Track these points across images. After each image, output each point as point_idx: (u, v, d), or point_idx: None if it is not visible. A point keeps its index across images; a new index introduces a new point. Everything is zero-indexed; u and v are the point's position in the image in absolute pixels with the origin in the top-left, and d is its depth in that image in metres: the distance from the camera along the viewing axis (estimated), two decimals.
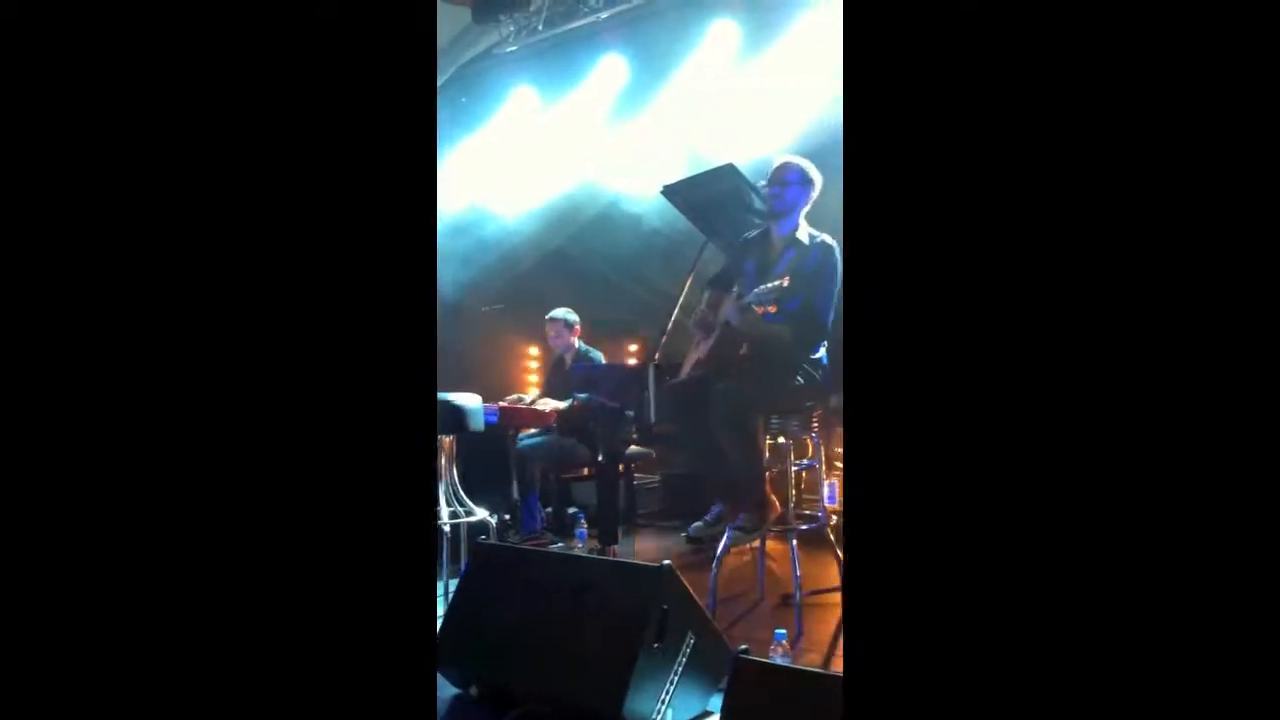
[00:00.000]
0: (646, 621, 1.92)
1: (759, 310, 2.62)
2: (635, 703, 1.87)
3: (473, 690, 2.23)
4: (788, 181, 2.80)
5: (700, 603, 2.11)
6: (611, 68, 5.31)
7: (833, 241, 2.79)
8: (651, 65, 5.13)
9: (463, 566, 2.81)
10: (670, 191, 3.60)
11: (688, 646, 2.00)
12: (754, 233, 3.02)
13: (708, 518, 2.84)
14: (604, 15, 5.01)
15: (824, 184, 2.87)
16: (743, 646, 1.76)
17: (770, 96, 4.70)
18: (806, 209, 2.86)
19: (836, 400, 2.89)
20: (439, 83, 5.27)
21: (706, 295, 3.06)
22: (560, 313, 4.41)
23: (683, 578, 2.05)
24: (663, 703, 1.94)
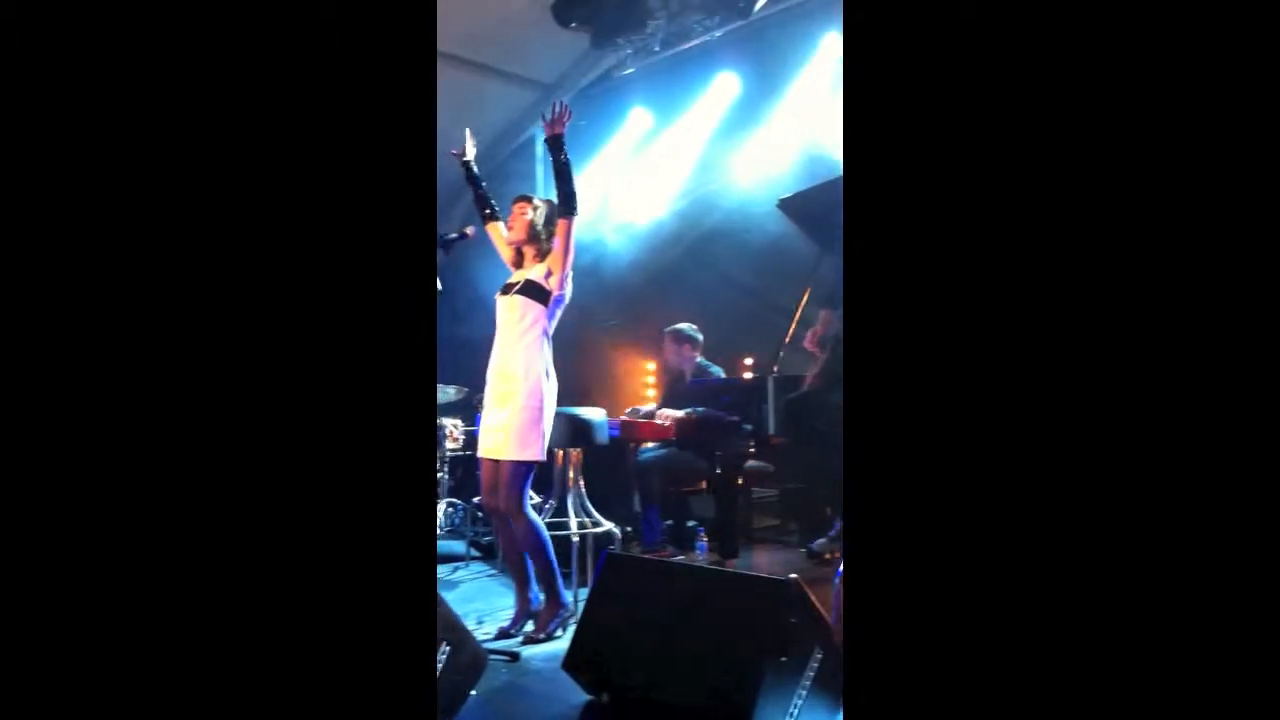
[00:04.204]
0: (773, 634, 1.95)
1: None
2: (764, 716, 1.90)
3: (604, 697, 2.31)
4: None
5: (827, 618, 2.12)
6: (725, 84, 5.37)
7: None
8: (764, 80, 5.15)
9: (590, 577, 2.93)
10: (785, 205, 3.63)
11: (815, 662, 2.02)
12: None
13: (831, 533, 2.84)
14: (718, 34, 5.07)
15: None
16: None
17: None
18: None
19: None
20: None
21: (820, 314, 3.09)
22: (682, 327, 4.46)
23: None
24: (791, 716, 1.96)
